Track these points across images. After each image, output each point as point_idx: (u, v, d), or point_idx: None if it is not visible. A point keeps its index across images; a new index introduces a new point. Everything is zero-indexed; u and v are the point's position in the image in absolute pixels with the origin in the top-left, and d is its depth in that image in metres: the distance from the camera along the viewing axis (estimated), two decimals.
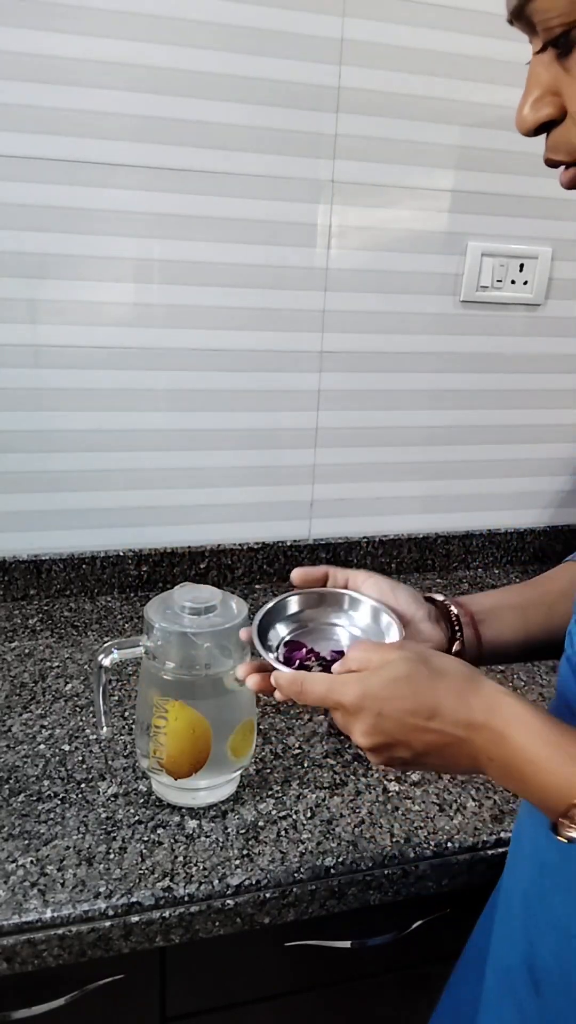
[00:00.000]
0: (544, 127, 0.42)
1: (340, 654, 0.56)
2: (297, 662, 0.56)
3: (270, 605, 0.59)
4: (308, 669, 0.54)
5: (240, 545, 1.22)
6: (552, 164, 0.43)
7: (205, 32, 0.98)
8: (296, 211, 1.08)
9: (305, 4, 1.00)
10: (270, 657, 0.53)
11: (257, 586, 1.24)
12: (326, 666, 0.56)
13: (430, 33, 1.05)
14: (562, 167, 0.43)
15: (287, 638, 0.59)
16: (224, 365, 1.13)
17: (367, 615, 0.60)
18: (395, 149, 1.09)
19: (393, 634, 0.56)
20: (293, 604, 0.61)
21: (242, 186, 1.05)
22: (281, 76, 1.02)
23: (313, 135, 1.06)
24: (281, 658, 0.56)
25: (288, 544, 1.25)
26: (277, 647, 0.58)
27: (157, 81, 0.98)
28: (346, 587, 0.61)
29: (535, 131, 0.42)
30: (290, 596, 0.61)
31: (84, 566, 1.17)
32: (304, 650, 0.57)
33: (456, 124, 1.10)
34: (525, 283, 1.20)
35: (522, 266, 1.19)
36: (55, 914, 0.63)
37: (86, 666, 0.99)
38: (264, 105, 1.03)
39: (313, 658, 0.57)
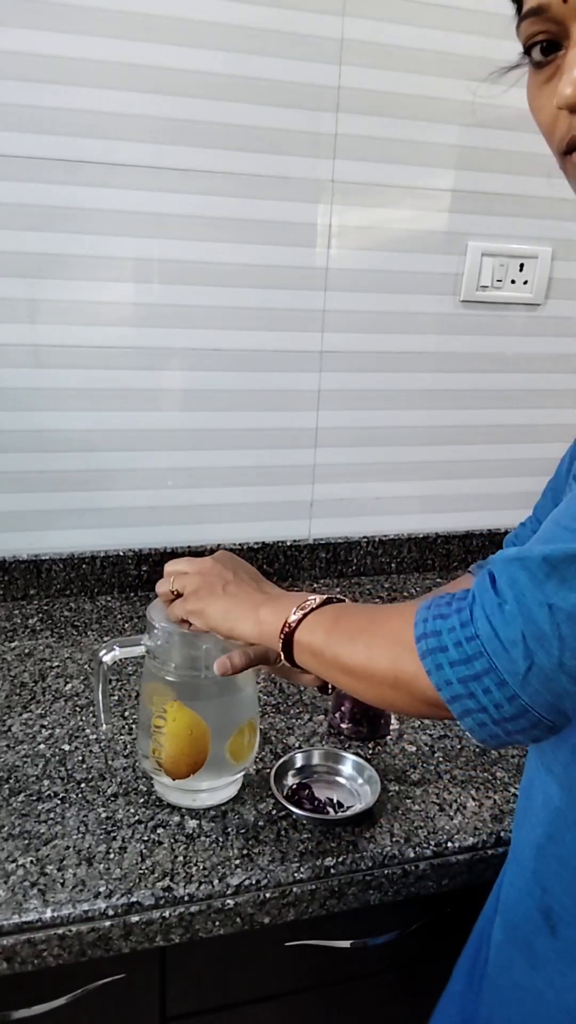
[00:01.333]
0: None
1: (330, 800, 0.76)
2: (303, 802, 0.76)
3: (284, 759, 0.80)
4: (320, 810, 0.75)
5: (240, 545, 1.22)
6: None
7: (205, 32, 0.98)
8: (296, 211, 1.08)
9: (305, 4, 1.00)
10: (278, 794, 0.74)
11: None
12: (319, 807, 0.75)
13: (430, 33, 1.05)
14: None
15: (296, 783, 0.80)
16: (224, 365, 1.13)
17: (351, 767, 0.81)
18: (395, 149, 1.09)
19: (375, 785, 0.76)
20: (299, 759, 0.81)
21: (242, 186, 1.05)
22: (281, 76, 1.02)
23: (313, 135, 1.06)
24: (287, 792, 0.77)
25: (288, 544, 1.25)
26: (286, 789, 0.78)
27: (157, 81, 0.98)
28: None
29: None
30: (297, 752, 0.82)
31: (84, 566, 1.17)
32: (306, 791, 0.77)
33: (456, 124, 1.10)
34: (525, 283, 1.20)
35: (522, 266, 1.19)
36: (55, 914, 0.63)
37: (86, 666, 0.99)
38: (264, 105, 1.03)
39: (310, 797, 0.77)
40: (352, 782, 0.79)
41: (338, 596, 0.61)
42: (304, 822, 0.73)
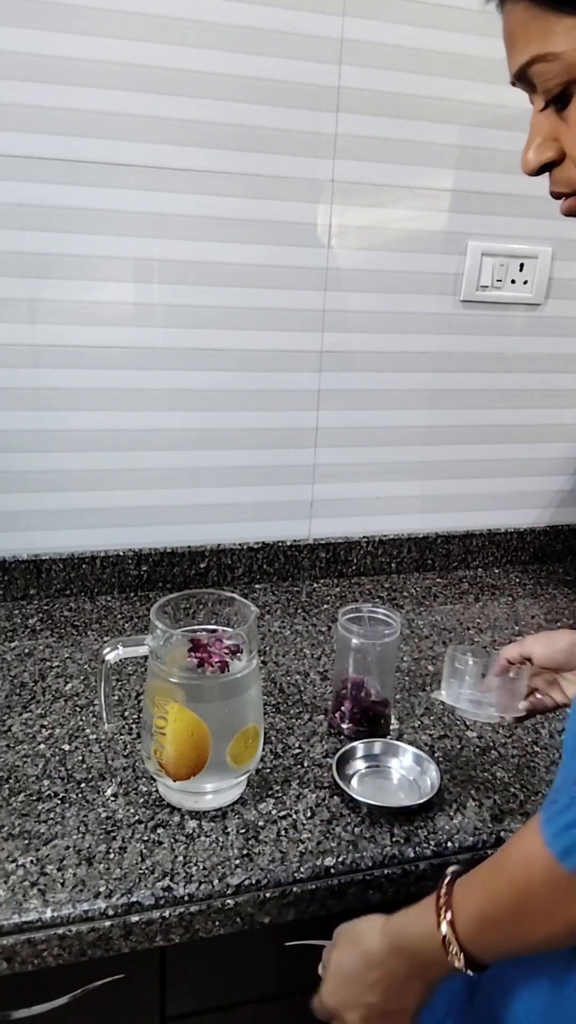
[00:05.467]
0: (545, 168, 0.50)
1: None
2: None
3: (346, 748, 0.82)
4: None
5: (240, 545, 1.22)
6: (557, 196, 0.52)
7: (205, 32, 0.98)
8: (296, 211, 1.08)
9: (305, 4, 1.00)
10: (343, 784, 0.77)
11: (257, 586, 1.24)
12: None
13: (430, 33, 1.05)
14: (563, 199, 0.52)
15: (362, 770, 0.82)
16: (224, 365, 1.13)
17: (411, 759, 0.81)
18: (395, 149, 1.09)
19: (432, 775, 0.78)
20: (360, 749, 0.83)
21: (242, 186, 1.05)
22: (281, 76, 1.02)
23: (313, 135, 1.06)
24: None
25: (288, 544, 1.25)
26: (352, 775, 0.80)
27: (157, 81, 0.98)
28: (520, 659, 0.75)
29: (538, 171, 0.50)
30: (359, 743, 0.83)
31: (84, 566, 1.17)
32: None
33: (456, 124, 1.10)
34: (525, 283, 1.20)
35: (522, 266, 1.19)
36: (55, 914, 0.63)
37: (86, 666, 0.99)
38: (264, 105, 1.03)
39: None
40: (409, 772, 0.81)
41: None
42: (305, 822, 0.73)
